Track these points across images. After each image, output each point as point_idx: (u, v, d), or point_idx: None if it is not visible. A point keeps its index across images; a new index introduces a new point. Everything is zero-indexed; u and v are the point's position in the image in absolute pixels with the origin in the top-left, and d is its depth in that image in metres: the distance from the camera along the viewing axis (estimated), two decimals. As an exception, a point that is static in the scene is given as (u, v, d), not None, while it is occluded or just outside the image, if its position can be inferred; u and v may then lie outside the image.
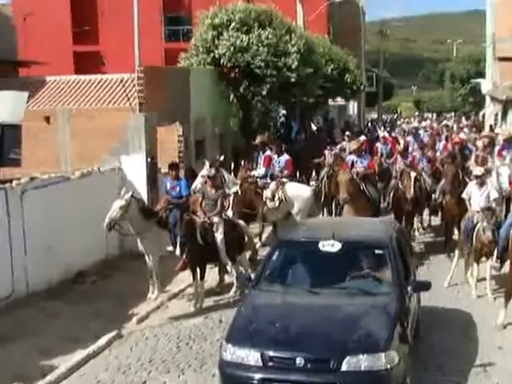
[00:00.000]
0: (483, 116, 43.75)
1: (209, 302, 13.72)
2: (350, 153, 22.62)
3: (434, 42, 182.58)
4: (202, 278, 13.47)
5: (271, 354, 8.23)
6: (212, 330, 12.13)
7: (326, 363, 8.05)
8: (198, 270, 13.38)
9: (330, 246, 9.61)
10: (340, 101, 45.98)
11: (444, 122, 41.56)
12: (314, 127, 37.40)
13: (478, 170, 14.16)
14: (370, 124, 42.09)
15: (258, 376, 8.17)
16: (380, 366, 8.00)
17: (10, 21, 37.25)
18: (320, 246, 9.67)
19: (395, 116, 75.42)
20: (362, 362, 8.01)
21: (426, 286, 9.71)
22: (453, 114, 74.06)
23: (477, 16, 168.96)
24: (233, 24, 23.94)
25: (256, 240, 17.50)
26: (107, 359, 11.02)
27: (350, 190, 15.16)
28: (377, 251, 9.87)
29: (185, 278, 14.31)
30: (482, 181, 13.83)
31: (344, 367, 7.99)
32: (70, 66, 45.32)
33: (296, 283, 9.68)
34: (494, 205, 13.22)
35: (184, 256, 12.99)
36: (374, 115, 70.61)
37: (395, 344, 8.28)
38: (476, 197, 13.72)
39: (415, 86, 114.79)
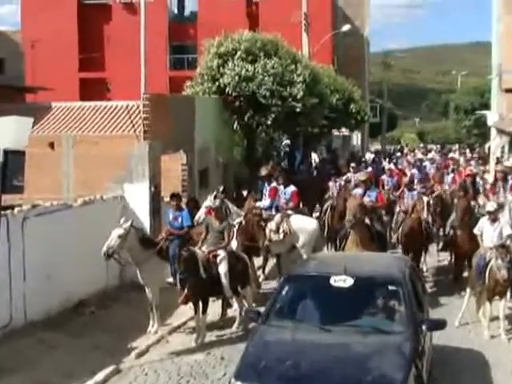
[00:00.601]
0: (489, 148, 43.41)
1: (211, 336, 13.27)
2: (356, 185, 22.40)
3: (438, 73, 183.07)
4: (205, 312, 13.04)
5: None
6: (214, 368, 11.66)
7: None
8: (201, 304, 12.93)
9: (342, 282, 9.32)
10: (344, 131, 45.77)
11: (450, 155, 41.32)
12: (316, 158, 37.10)
13: (490, 206, 13.73)
14: (373, 155, 41.69)
15: None
16: None
17: (19, 47, 37.26)
18: (331, 281, 9.39)
19: (399, 147, 75.14)
20: None
21: (441, 324, 9.48)
22: (457, 145, 73.92)
23: (480, 47, 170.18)
24: (238, 53, 23.73)
25: (259, 273, 17.10)
26: (105, 397, 10.57)
27: (357, 215, 14.60)
28: (390, 288, 9.62)
29: (186, 310, 13.86)
30: (494, 216, 13.39)
31: None
32: (76, 92, 45.54)
33: (307, 319, 9.36)
34: (508, 242, 12.74)
35: (185, 291, 12.56)
36: (377, 146, 70.44)
37: None
38: (488, 233, 13.28)
39: (418, 118, 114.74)
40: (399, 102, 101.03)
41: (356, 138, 58.53)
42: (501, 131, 35.67)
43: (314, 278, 9.99)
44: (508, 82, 35.31)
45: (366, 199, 15.94)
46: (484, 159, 33.28)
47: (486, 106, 49.39)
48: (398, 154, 47.13)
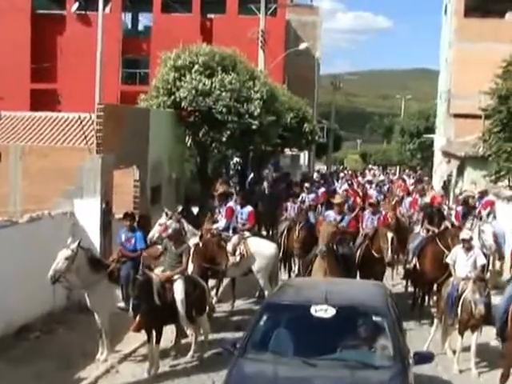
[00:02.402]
0: (434, 172, 43.18)
1: (164, 366, 12.10)
2: (311, 206, 21.47)
3: (379, 97, 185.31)
4: (158, 341, 11.84)
5: None
6: (169, 404, 10.42)
7: None
8: (154, 333, 11.69)
9: (323, 312, 8.59)
10: (294, 150, 45.03)
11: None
12: (269, 177, 36.25)
13: (465, 234, 12.77)
14: (321, 176, 41.20)
15: None
16: None
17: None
18: (312, 310, 8.63)
19: (341, 168, 75.14)
20: None
21: (428, 358, 8.79)
22: (398, 167, 74.05)
23: (422, 74, 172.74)
24: (196, 67, 22.61)
25: (212, 294, 15.91)
26: None
27: (329, 245, 13.51)
28: (375, 318, 8.87)
29: (136, 335, 12.54)
30: (469, 245, 12.43)
31: None
32: (27, 103, 44.18)
33: (288, 352, 8.47)
34: (483, 274, 11.80)
35: (138, 318, 11.31)
36: (321, 166, 70.11)
37: None
38: (462, 262, 12.33)
39: (360, 140, 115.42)
40: (342, 124, 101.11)
41: (303, 158, 57.86)
42: (449, 155, 35.27)
43: (292, 308, 9.13)
44: (457, 108, 35.27)
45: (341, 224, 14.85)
46: (421, 180, 32.54)
47: (431, 130, 49.34)
48: (341, 174, 46.71)
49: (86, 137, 17.46)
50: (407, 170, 62.47)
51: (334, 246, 14.09)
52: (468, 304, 11.50)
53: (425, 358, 8.77)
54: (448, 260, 12.84)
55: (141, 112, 20.99)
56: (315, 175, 41.79)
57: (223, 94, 22.26)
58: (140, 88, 38.89)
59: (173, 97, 22.38)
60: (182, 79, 22.35)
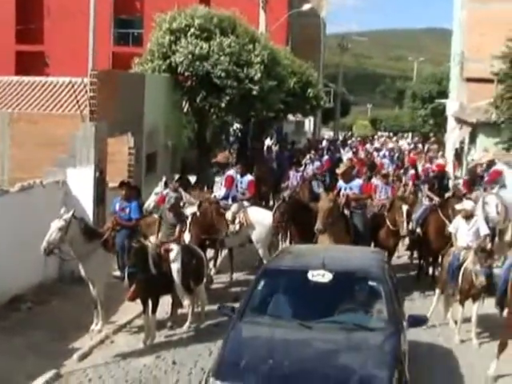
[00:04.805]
0: (446, 139, 43.52)
1: (160, 337, 12.71)
2: (315, 175, 22.05)
3: (391, 59, 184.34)
4: (154, 311, 12.45)
5: None
6: (165, 374, 11.08)
7: None
8: (150, 303, 12.33)
9: (321, 277, 9.32)
10: (298, 117, 45.39)
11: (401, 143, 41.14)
12: (271, 144, 36.77)
13: (467, 204, 13.37)
14: (328, 143, 41.50)
15: None
16: None
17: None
18: (309, 275, 9.36)
19: (349, 134, 75.23)
20: None
21: (422, 321, 9.58)
22: (410, 134, 74.18)
23: (437, 34, 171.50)
24: (192, 30, 22.97)
25: (210, 266, 16.58)
26: (44, 406, 9.93)
27: (328, 220, 14.18)
28: (370, 283, 9.64)
29: (132, 306, 13.23)
30: (469, 214, 13.04)
31: None
32: (11, 66, 44.20)
33: (285, 315, 9.27)
34: (484, 243, 12.37)
35: (133, 287, 11.93)
36: (329, 132, 70.34)
37: None
38: (463, 231, 12.92)
39: (371, 104, 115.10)
40: (351, 88, 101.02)
41: (308, 124, 58.22)
42: (461, 121, 35.67)
43: (291, 273, 9.91)
44: (470, 71, 35.37)
45: (348, 192, 15.47)
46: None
47: (444, 95, 49.44)
48: (349, 141, 47.04)
49: (78, 102, 17.91)
50: (416, 138, 62.76)
51: (347, 212, 14.82)
52: (469, 274, 12.09)
53: (418, 321, 9.49)
54: (450, 229, 13.43)
55: (136, 77, 21.41)
56: (324, 143, 42.23)
57: (222, 57, 22.63)
58: (133, 49, 39.32)
59: (168, 61, 22.79)
60: (178, 43, 22.75)
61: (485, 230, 13.00)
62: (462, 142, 35.73)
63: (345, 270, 9.80)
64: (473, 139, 32.72)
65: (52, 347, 11.78)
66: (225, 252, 17.44)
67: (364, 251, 12.21)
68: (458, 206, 13.62)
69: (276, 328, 8.95)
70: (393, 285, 9.81)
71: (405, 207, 15.19)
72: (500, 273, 11.75)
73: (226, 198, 16.22)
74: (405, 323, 9.29)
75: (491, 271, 12.06)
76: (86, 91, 17.27)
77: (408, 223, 15.19)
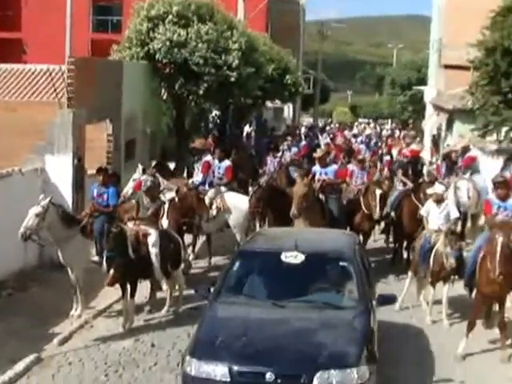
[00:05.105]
0: (424, 125, 43.87)
1: (139, 321, 12.98)
2: (292, 161, 22.30)
3: (371, 46, 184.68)
4: (133, 295, 12.68)
5: (239, 368, 8.26)
6: (144, 356, 11.35)
7: (297, 379, 8.12)
8: (129, 287, 12.57)
9: (293, 258, 9.70)
10: (277, 103, 45.58)
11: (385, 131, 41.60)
12: (248, 129, 36.98)
13: (438, 188, 13.70)
14: (307, 129, 41.77)
15: None
16: (352, 381, 8.15)
17: None
18: (282, 257, 9.75)
19: (329, 121, 75.52)
20: (333, 377, 8.11)
21: (391, 299, 10.12)
22: (389, 121, 74.57)
23: (417, 21, 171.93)
24: (170, 17, 23.11)
25: (189, 251, 16.83)
26: (25, 389, 10.14)
27: (303, 205, 14.45)
28: (341, 263, 10.02)
29: (111, 291, 13.47)
30: (439, 198, 13.36)
31: (315, 382, 8.09)
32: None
33: (260, 295, 9.74)
34: (454, 227, 12.74)
35: (112, 271, 12.14)
36: (308, 119, 70.53)
37: (366, 359, 8.41)
38: (434, 215, 13.24)
39: (351, 91, 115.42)
40: (332, 74, 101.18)
41: (288, 111, 58.40)
42: (438, 108, 36.03)
43: (264, 254, 10.32)
44: (448, 58, 35.56)
45: (323, 177, 15.74)
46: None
47: (423, 82, 49.76)
48: (327, 128, 47.30)
49: (55, 90, 18.02)
50: (393, 124, 63.05)
51: (323, 199, 15.10)
52: (439, 256, 12.46)
53: (388, 299, 10.00)
54: (421, 212, 13.76)
55: (114, 64, 21.53)
56: (303, 130, 42.48)
57: (199, 45, 22.78)
58: (112, 36, 39.31)
59: (146, 48, 22.94)
60: (156, 30, 22.91)
61: (455, 214, 13.35)
62: (439, 129, 36.09)
63: (317, 251, 10.22)
64: (449, 126, 33.07)
65: (33, 332, 11.97)
66: (203, 237, 17.65)
67: (336, 233, 12.54)
68: (429, 190, 13.97)
69: (250, 308, 9.38)
70: (363, 265, 10.23)
71: (378, 191, 15.52)
72: (468, 254, 12.12)
73: (203, 183, 16.47)
74: (375, 302, 9.70)
75: (461, 253, 12.44)
76: (64, 79, 17.39)
77: (381, 207, 15.51)
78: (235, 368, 8.21)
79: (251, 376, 8.20)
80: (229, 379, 8.20)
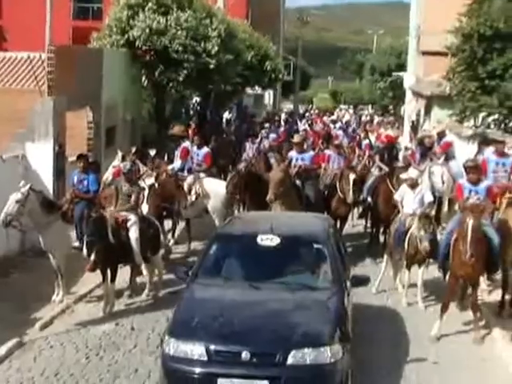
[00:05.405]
0: (403, 111, 44.15)
1: (119, 305, 13.11)
2: (270, 147, 22.46)
3: (351, 32, 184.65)
4: (113, 280, 12.80)
5: (216, 347, 8.43)
6: (124, 339, 11.49)
7: (272, 357, 8.30)
8: (109, 272, 12.72)
9: (269, 241, 9.89)
10: (257, 90, 45.69)
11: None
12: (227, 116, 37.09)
13: (412, 173, 13.91)
14: (287, 116, 41.88)
15: (202, 370, 8.37)
16: (325, 359, 8.32)
17: None
18: (258, 239, 9.94)
19: (310, 107, 75.54)
20: (307, 355, 8.30)
21: (364, 280, 10.29)
22: (370, 106, 74.73)
23: (397, 8, 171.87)
24: (149, 4, 23.21)
25: (169, 237, 16.98)
26: (7, 372, 10.24)
27: (279, 190, 14.62)
28: (315, 246, 10.22)
29: (92, 277, 13.55)
30: (413, 183, 13.57)
31: (289, 361, 8.27)
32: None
33: (236, 277, 9.93)
34: (428, 210, 12.92)
35: (92, 256, 12.28)
36: (289, 105, 70.57)
37: (339, 338, 8.59)
38: (409, 199, 13.45)
39: (332, 77, 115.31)
40: (313, 61, 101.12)
41: (268, 97, 58.49)
42: (417, 94, 36.29)
43: (241, 237, 10.54)
44: (426, 45, 35.73)
45: (300, 162, 15.92)
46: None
47: (403, 68, 49.92)
48: (307, 114, 47.41)
49: (36, 78, 18.08)
50: (372, 111, 63.15)
51: (299, 185, 15.29)
52: (414, 240, 12.63)
53: (361, 280, 10.25)
54: (396, 197, 13.97)
55: (94, 52, 21.65)
56: (283, 116, 42.58)
57: (179, 32, 22.96)
58: (93, 24, 39.21)
59: (126, 36, 23.04)
60: (136, 18, 22.99)
61: (429, 198, 13.51)
62: (417, 114, 36.38)
63: (291, 234, 10.39)
64: (428, 111, 33.35)
65: (14, 318, 12.04)
66: (182, 223, 17.79)
67: (310, 217, 12.69)
68: (403, 175, 14.15)
69: (227, 289, 9.60)
70: (338, 248, 10.44)
71: (351, 176, 15.69)
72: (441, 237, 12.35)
73: (181, 169, 16.62)
74: (348, 283, 9.92)
75: (435, 237, 12.64)
76: (44, 67, 17.45)
77: (354, 191, 15.68)
78: (212, 347, 8.39)
79: (227, 355, 8.37)
80: (206, 358, 8.37)
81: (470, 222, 10.65)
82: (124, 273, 13.82)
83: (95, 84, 20.01)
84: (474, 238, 10.62)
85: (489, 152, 15.06)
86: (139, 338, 11.51)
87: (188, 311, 9.19)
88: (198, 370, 8.36)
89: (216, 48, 23.62)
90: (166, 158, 19.60)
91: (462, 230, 10.92)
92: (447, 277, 11.92)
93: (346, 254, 11.53)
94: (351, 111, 61.52)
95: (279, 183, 14.64)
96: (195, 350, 8.42)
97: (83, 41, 25.75)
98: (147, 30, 22.84)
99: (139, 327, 11.99)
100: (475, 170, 12.11)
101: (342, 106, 78.42)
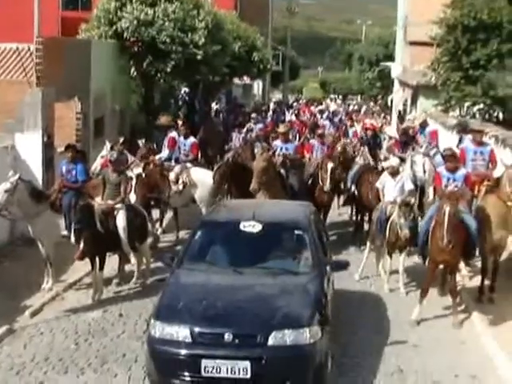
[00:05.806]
0: (391, 101, 44.37)
1: (108, 293, 13.35)
2: (257, 137, 22.66)
3: (341, 22, 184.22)
4: (102, 268, 13.06)
5: (200, 329, 8.74)
6: (112, 326, 11.75)
7: (254, 338, 8.64)
8: (97, 260, 12.95)
9: (251, 227, 10.23)
10: (245, 80, 45.82)
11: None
12: (216, 106, 37.22)
13: (393, 161, 14.18)
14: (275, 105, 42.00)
15: (187, 351, 8.67)
16: (304, 340, 8.64)
17: None
18: (241, 226, 10.28)
19: (299, 97, 75.52)
20: (287, 336, 8.62)
21: (344, 265, 10.60)
22: (359, 96, 74.85)
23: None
24: (137, -4, 23.34)
25: (157, 226, 17.20)
26: (-2, 358, 10.49)
27: (263, 180, 14.85)
28: (296, 232, 10.56)
29: (81, 265, 13.83)
30: (393, 171, 13.83)
31: (270, 342, 8.59)
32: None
33: (220, 263, 10.29)
34: (408, 198, 13.16)
35: (81, 244, 12.51)
36: (279, 95, 70.59)
37: (318, 320, 8.91)
38: (390, 187, 13.71)
39: (321, 67, 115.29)
40: (302, 51, 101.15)
41: (257, 87, 58.58)
42: (404, 84, 36.54)
43: (225, 224, 10.95)
44: (413, 35, 35.96)
45: (283, 152, 16.14)
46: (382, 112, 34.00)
47: (391, 58, 50.11)
48: (295, 104, 47.53)
49: (24, 69, 18.22)
50: (359, 100, 63.22)
51: (284, 174, 15.55)
52: (395, 227, 12.89)
53: (340, 265, 10.62)
54: (377, 185, 14.24)
55: (82, 43, 21.80)
56: (271, 105, 42.70)
57: (166, 23, 23.11)
58: (82, 14, 39.04)
59: (114, 27, 23.19)
60: (124, 9, 23.13)
61: (409, 186, 13.78)
62: (404, 104, 36.65)
63: (273, 221, 10.74)
64: (414, 101, 33.63)
65: (4, 306, 12.21)
66: (170, 212, 18.01)
67: (292, 205, 13.01)
68: (384, 164, 14.42)
69: (211, 274, 9.95)
70: (318, 234, 10.79)
71: (329, 165, 15.97)
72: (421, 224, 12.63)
73: (169, 159, 16.83)
74: (328, 268, 10.26)
75: (415, 224, 12.90)
76: (33, 58, 17.60)
77: (332, 180, 15.93)
78: (196, 329, 8.69)
79: (211, 337, 8.69)
80: (190, 340, 8.67)
81: (447, 209, 10.92)
82: (112, 261, 14.06)
83: (83, 75, 20.14)
84: (451, 225, 10.89)
85: (467, 141, 15.35)
86: (127, 325, 11.76)
87: (173, 295, 9.50)
88: (182, 351, 8.65)
89: (203, 39, 23.77)
90: (154, 147, 19.79)
91: (439, 217, 11.18)
92: (427, 263, 12.20)
93: (328, 240, 11.84)
94: (339, 101, 61.65)
95: (262, 172, 14.85)
96: (180, 332, 8.72)
97: (72, 31, 25.77)
98: (135, 22, 22.96)
99: (127, 314, 12.24)
100: (453, 159, 12.44)
101: (332, 96, 78.46)
